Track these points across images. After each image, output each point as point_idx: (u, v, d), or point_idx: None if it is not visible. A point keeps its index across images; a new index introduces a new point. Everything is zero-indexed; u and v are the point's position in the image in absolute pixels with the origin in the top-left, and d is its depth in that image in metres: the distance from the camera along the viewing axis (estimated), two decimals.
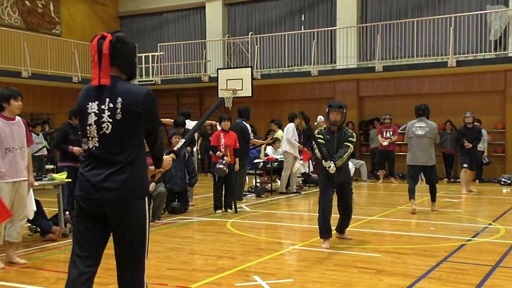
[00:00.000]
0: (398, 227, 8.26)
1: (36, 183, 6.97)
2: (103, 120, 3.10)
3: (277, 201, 11.41)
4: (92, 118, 3.13)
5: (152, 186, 8.46)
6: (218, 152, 9.55)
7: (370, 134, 16.77)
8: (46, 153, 14.49)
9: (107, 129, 3.10)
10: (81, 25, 19.92)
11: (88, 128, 3.15)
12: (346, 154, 6.51)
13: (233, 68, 17.47)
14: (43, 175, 7.47)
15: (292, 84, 17.94)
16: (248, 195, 11.94)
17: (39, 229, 7.29)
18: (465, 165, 12.15)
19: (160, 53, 19.00)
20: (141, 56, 18.96)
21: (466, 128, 12.18)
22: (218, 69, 16.92)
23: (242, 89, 15.69)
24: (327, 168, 6.36)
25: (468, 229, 7.93)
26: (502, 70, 15.34)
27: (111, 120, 3.09)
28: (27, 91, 17.36)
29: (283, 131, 12.81)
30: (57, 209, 7.37)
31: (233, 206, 9.64)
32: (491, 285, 4.94)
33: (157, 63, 18.90)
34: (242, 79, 15.75)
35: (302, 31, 18.02)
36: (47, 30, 18.56)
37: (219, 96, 16.21)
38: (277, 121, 14.47)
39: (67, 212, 8.21)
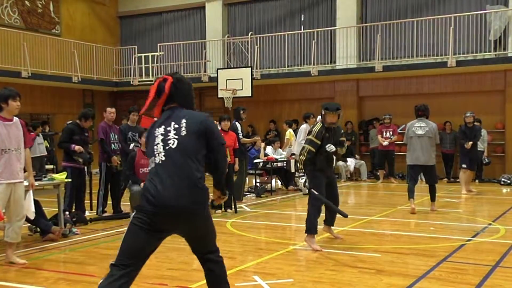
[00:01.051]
0: (398, 227, 8.26)
1: (36, 183, 6.99)
2: (169, 137, 3.45)
3: (277, 201, 11.40)
4: (158, 139, 3.47)
5: None
6: None
7: (370, 134, 16.77)
8: (45, 153, 14.45)
9: (173, 144, 3.43)
10: (80, 25, 19.91)
11: (155, 147, 3.46)
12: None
13: (233, 68, 17.47)
14: (43, 175, 7.47)
15: (292, 84, 17.94)
16: (248, 195, 11.93)
17: (39, 229, 7.28)
18: (464, 166, 12.17)
19: (160, 53, 18.99)
20: (141, 56, 18.96)
21: (467, 128, 12.20)
22: (218, 69, 16.93)
23: (242, 89, 15.70)
24: (327, 149, 6.63)
25: (468, 229, 7.93)
26: (502, 70, 15.35)
27: (176, 137, 3.44)
28: (26, 91, 17.37)
29: (295, 132, 12.91)
30: (57, 209, 7.37)
31: (233, 206, 9.64)
32: (491, 285, 4.94)
33: (157, 63, 18.89)
34: (242, 79, 15.76)
35: (302, 31, 18.01)
36: (46, 30, 18.55)
37: (218, 96, 16.22)
38: (289, 121, 14.51)
39: (67, 212, 8.21)
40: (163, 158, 3.40)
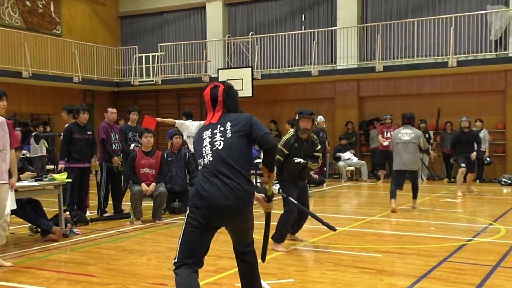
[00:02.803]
0: (399, 227, 8.26)
1: (36, 183, 7.00)
2: (215, 139, 3.69)
3: (277, 202, 11.39)
4: (206, 141, 3.71)
5: (152, 186, 8.48)
6: None
7: (370, 134, 16.78)
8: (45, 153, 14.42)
9: (219, 145, 3.66)
10: (81, 25, 19.92)
11: (203, 149, 3.70)
12: (317, 164, 6.76)
13: (234, 68, 17.48)
14: (44, 175, 7.47)
15: (292, 84, 17.94)
16: None
17: (39, 230, 7.29)
18: (462, 165, 12.08)
19: (161, 53, 18.99)
20: (142, 56, 18.96)
21: (463, 133, 12.11)
22: (218, 69, 16.93)
23: (242, 89, 15.69)
24: (295, 161, 6.52)
25: (469, 229, 7.92)
26: (502, 70, 15.34)
27: (222, 139, 3.67)
28: (27, 91, 17.43)
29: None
30: (57, 209, 7.38)
31: None
32: (491, 285, 4.94)
33: (157, 63, 18.90)
34: (242, 79, 15.76)
35: (303, 31, 18.01)
36: (47, 30, 18.56)
37: None
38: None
39: (68, 212, 8.22)
40: (211, 159, 3.63)
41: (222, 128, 3.71)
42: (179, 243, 3.64)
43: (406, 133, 9.81)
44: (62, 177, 7.42)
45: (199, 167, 3.69)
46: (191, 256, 3.60)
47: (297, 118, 6.64)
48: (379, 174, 15.56)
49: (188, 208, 3.67)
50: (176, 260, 3.62)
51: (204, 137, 3.73)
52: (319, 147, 6.87)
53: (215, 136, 3.69)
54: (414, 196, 10.02)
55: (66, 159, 8.59)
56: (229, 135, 3.67)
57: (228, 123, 3.72)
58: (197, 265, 3.65)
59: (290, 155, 6.53)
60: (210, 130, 3.74)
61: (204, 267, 5.79)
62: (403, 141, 9.75)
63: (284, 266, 5.71)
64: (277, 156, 6.38)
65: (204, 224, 3.59)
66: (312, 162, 6.65)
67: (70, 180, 7.90)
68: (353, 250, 6.44)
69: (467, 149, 11.93)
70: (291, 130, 6.81)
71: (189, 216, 3.63)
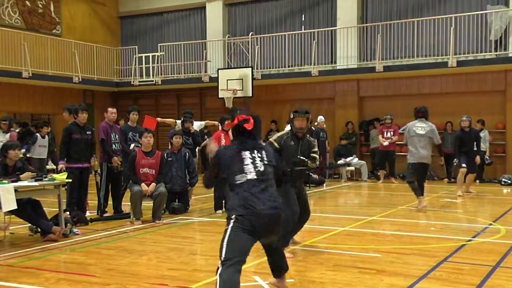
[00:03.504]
0: (399, 227, 8.25)
1: (36, 183, 7.00)
2: (256, 162, 4.34)
3: None
4: (248, 160, 4.31)
5: (152, 186, 8.47)
6: None
7: (370, 134, 16.78)
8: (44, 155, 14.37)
9: (260, 167, 4.32)
10: (81, 25, 19.93)
11: (245, 167, 4.29)
12: (314, 164, 6.36)
13: (234, 68, 17.47)
14: (44, 176, 7.47)
15: (292, 84, 17.94)
16: None
17: (39, 230, 7.28)
18: (463, 165, 12.10)
19: (161, 53, 18.99)
20: (142, 56, 18.96)
21: (464, 132, 12.11)
22: (218, 69, 16.93)
23: (242, 89, 15.70)
24: (300, 158, 6.21)
25: (469, 229, 7.92)
26: (502, 70, 15.34)
27: (262, 163, 4.35)
28: (27, 91, 17.44)
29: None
30: (57, 209, 7.38)
31: None
32: (491, 285, 4.94)
33: (157, 63, 18.90)
34: (242, 79, 15.77)
35: (303, 31, 18.02)
36: (47, 30, 18.56)
37: (219, 96, 16.22)
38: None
39: (68, 212, 8.22)
40: (255, 177, 4.21)
41: (259, 155, 4.38)
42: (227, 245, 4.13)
43: (421, 127, 9.74)
44: (61, 177, 7.43)
45: (240, 181, 4.21)
46: (241, 255, 4.10)
47: (291, 116, 6.38)
48: (379, 174, 15.57)
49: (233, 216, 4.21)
50: (225, 257, 4.05)
51: (244, 157, 4.31)
52: (316, 148, 6.52)
53: (255, 159, 4.33)
54: (422, 193, 9.95)
55: (65, 159, 8.59)
56: (266, 161, 4.38)
57: (264, 152, 4.44)
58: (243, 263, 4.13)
59: (283, 152, 6.11)
60: (248, 152, 4.35)
61: (204, 267, 5.81)
62: (418, 134, 9.68)
63: None
64: None
65: (251, 231, 4.16)
66: (311, 162, 6.40)
67: (70, 180, 7.90)
68: (353, 250, 6.44)
69: (468, 149, 11.93)
70: (287, 128, 6.49)
71: (236, 222, 4.18)
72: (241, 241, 4.03)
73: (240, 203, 4.09)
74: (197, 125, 11.53)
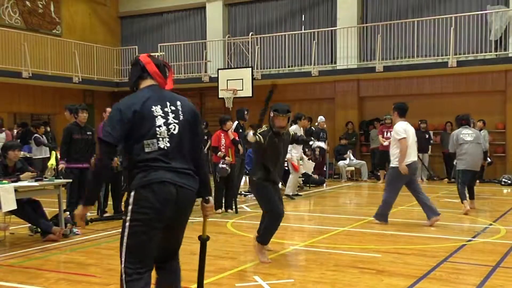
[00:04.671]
0: (399, 227, 8.25)
1: (36, 183, 7.00)
2: (169, 121, 3.39)
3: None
4: (160, 121, 3.35)
5: None
6: (220, 153, 9.53)
7: (370, 134, 16.78)
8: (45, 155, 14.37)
9: (174, 130, 3.39)
10: (81, 25, 19.93)
11: (157, 129, 3.37)
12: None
13: (234, 68, 17.48)
14: (44, 176, 7.47)
15: (292, 84, 17.92)
16: (249, 195, 11.93)
17: (39, 230, 7.28)
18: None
19: (161, 53, 18.99)
20: None
21: None
22: (218, 69, 16.94)
23: (242, 89, 15.70)
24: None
25: (469, 229, 7.93)
26: (502, 70, 15.34)
27: (176, 121, 3.40)
28: (27, 91, 17.43)
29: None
30: (57, 209, 7.38)
31: (233, 206, 9.64)
32: (491, 286, 4.94)
33: None
34: (242, 79, 15.77)
35: (303, 31, 18.02)
36: (47, 30, 18.56)
37: (219, 96, 16.22)
38: (293, 121, 14.49)
39: (68, 213, 8.21)
40: (168, 144, 3.33)
41: (173, 108, 3.42)
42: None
43: (468, 134, 9.77)
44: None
45: (147, 149, 3.32)
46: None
47: (271, 115, 6.01)
48: (379, 174, 15.56)
49: None
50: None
51: (155, 114, 3.35)
52: (298, 134, 6.29)
53: (168, 117, 3.37)
54: (472, 197, 10.15)
55: (66, 159, 8.58)
56: (181, 117, 3.43)
57: (178, 103, 3.46)
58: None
59: (267, 148, 5.81)
60: (159, 106, 3.37)
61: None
62: (467, 141, 9.68)
63: (284, 266, 5.71)
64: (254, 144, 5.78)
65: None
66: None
67: (70, 180, 7.90)
68: (353, 250, 6.44)
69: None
70: (264, 126, 6.01)
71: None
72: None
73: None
74: None
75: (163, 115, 3.34)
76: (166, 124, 3.33)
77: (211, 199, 3.66)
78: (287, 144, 6.23)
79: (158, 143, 3.28)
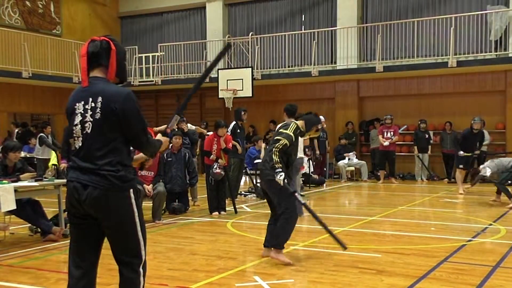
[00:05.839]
0: (399, 227, 8.25)
1: (36, 183, 7.00)
2: (86, 119, 3.22)
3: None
4: (77, 119, 3.24)
5: (149, 187, 8.47)
6: (212, 156, 9.43)
7: (370, 134, 16.78)
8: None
9: (88, 129, 3.23)
10: (81, 25, 19.93)
11: (74, 128, 3.29)
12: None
13: (234, 68, 17.47)
14: (44, 176, 7.47)
15: (292, 84, 17.94)
16: (249, 196, 11.93)
17: (39, 230, 7.28)
18: (461, 166, 12.16)
19: (161, 53, 18.99)
20: (142, 57, 18.96)
21: (472, 133, 12.10)
22: (218, 69, 16.91)
23: (242, 90, 15.69)
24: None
25: (469, 230, 7.92)
26: (502, 71, 15.34)
27: (91, 119, 3.19)
28: (27, 91, 17.43)
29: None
30: (57, 209, 7.38)
31: (232, 207, 9.62)
32: (491, 286, 4.94)
33: (157, 63, 18.89)
34: (242, 79, 15.76)
35: (303, 31, 18.01)
36: (47, 30, 18.56)
37: (219, 96, 16.22)
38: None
39: (67, 212, 8.21)
40: (80, 144, 3.15)
41: (92, 105, 3.16)
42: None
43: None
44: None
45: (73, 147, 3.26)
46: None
47: (315, 127, 6.23)
48: (379, 175, 15.56)
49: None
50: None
51: (76, 112, 3.24)
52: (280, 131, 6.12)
53: (86, 115, 3.21)
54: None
55: (67, 159, 8.60)
56: (97, 116, 3.16)
57: (99, 98, 3.17)
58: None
59: (292, 147, 5.95)
60: (82, 103, 3.22)
61: (204, 267, 5.79)
62: None
63: (284, 266, 5.70)
64: (287, 142, 5.85)
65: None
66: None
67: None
68: (353, 250, 6.43)
69: (470, 149, 11.97)
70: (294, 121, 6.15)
71: None
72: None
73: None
74: (192, 130, 11.58)
75: (82, 112, 3.14)
76: (82, 122, 3.13)
77: None
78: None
79: (75, 143, 3.18)
